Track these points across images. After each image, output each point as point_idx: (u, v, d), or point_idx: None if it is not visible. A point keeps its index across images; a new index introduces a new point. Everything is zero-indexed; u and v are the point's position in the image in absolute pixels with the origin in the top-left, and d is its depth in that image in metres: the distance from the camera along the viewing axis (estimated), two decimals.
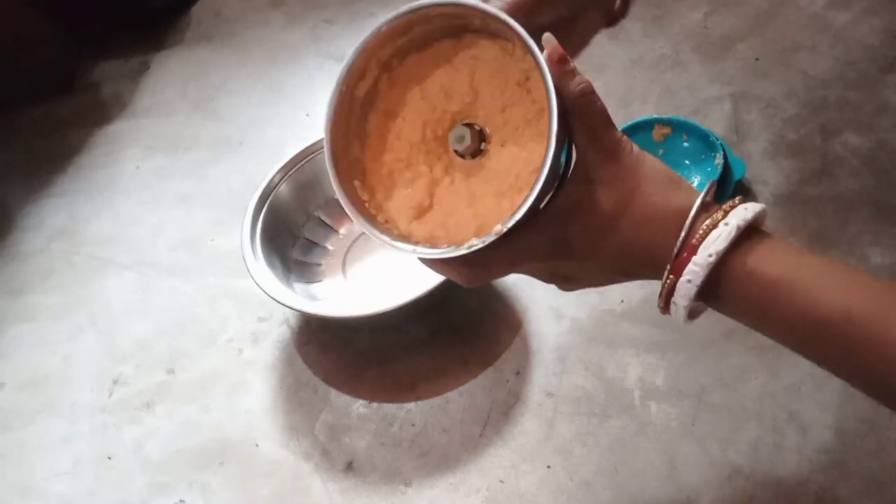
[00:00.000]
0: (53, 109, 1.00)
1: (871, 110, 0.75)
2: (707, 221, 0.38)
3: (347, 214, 0.40)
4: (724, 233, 0.37)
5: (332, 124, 0.41)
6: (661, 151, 0.74)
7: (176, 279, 0.77)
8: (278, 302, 0.63)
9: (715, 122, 0.78)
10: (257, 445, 0.63)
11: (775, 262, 0.37)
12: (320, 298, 0.70)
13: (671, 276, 0.38)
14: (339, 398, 0.65)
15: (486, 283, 0.47)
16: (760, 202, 0.39)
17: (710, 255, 0.37)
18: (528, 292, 0.68)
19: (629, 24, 0.91)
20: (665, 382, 0.61)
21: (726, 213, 0.38)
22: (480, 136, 0.40)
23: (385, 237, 0.40)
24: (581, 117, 0.39)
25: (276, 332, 0.71)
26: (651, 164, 0.40)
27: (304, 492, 0.60)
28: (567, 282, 0.44)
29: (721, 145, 0.70)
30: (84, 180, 0.90)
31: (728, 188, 0.69)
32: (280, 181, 0.72)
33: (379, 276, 0.71)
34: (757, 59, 0.83)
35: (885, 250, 0.65)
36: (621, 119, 0.76)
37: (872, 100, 0.76)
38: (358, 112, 0.42)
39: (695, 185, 0.72)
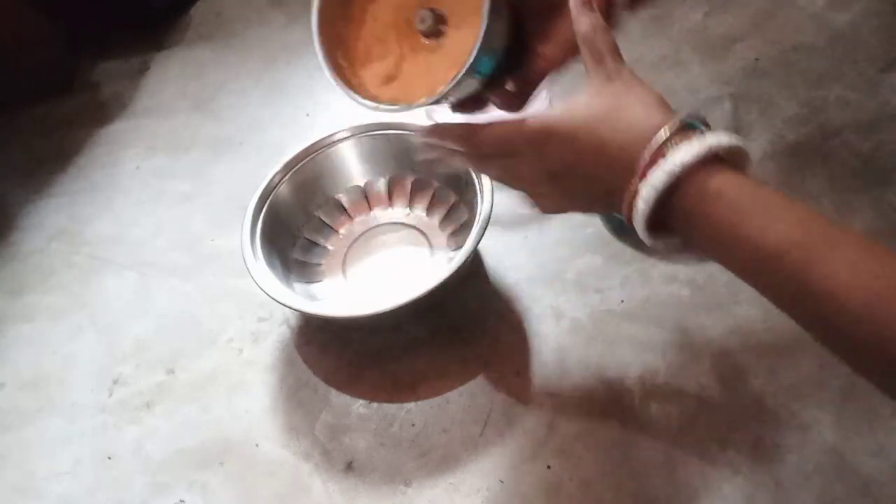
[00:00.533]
0: (53, 109, 1.00)
1: (871, 110, 0.75)
2: (680, 136, 0.39)
3: (337, 90, 0.47)
4: (695, 147, 0.38)
5: (321, 4, 0.48)
6: None
7: (176, 279, 0.77)
8: (278, 302, 0.63)
9: (715, 122, 0.77)
10: (257, 445, 0.63)
11: (737, 187, 0.38)
12: (320, 298, 0.70)
13: (637, 179, 0.40)
14: (339, 398, 0.65)
15: (478, 165, 0.54)
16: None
17: (675, 164, 0.38)
18: (528, 292, 0.68)
19: (629, 25, 0.91)
20: (665, 382, 0.61)
21: (703, 134, 0.39)
22: (440, 20, 0.47)
23: (354, 95, 0.47)
24: (590, 45, 0.44)
25: (276, 332, 0.71)
26: (644, 87, 0.43)
27: (304, 492, 0.60)
28: (548, 183, 0.46)
29: None
30: (84, 180, 0.90)
31: None
32: (280, 181, 0.72)
33: (379, 276, 0.71)
34: (757, 59, 0.83)
35: None
36: None
37: (872, 100, 0.76)
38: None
39: None
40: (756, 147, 0.75)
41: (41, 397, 0.70)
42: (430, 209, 0.74)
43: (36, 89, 1.01)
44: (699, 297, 0.65)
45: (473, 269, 0.71)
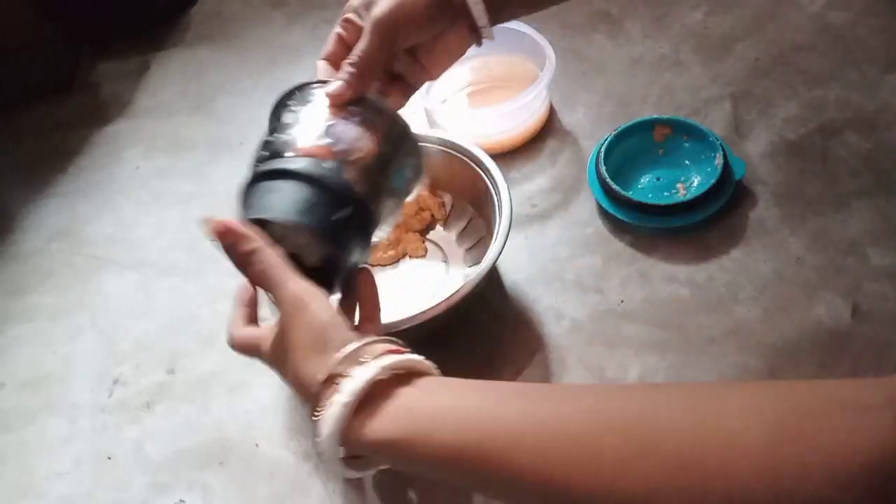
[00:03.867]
0: (53, 109, 1.00)
1: (871, 110, 0.75)
2: (326, 401, 0.42)
3: None
4: (335, 413, 0.41)
5: None
6: (660, 151, 0.74)
7: (176, 279, 0.77)
8: None
9: (715, 122, 0.78)
10: (257, 445, 0.63)
11: (382, 428, 0.41)
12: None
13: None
14: None
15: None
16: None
17: (327, 434, 0.42)
18: (528, 292, 0.68)
19: (629, 24, 0.91)
20: (665, 383, 0.61)
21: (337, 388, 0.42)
22: None
23: None
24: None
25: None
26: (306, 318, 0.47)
27: (304, 492, 0.60)
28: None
29: (721, 145, 0.70)
30: (84, 180, 0.90)
31: (728, 188, 0.69)
32: None
33: (392, 290, 0.68)
34: (757, 59, 0.83)
35: (885, 250, 0.65)
36: (621, 119, 0.76)
37: (872, 100, 0.76)
38: None
39: (695, 185, 0.72)
40: (756, 147, 0.75)
41: (41, 397, 0.70)
42: (447, 223, 0.73)
43: (36, 89, 1.01)
44: (699, 297, 0.65)
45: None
